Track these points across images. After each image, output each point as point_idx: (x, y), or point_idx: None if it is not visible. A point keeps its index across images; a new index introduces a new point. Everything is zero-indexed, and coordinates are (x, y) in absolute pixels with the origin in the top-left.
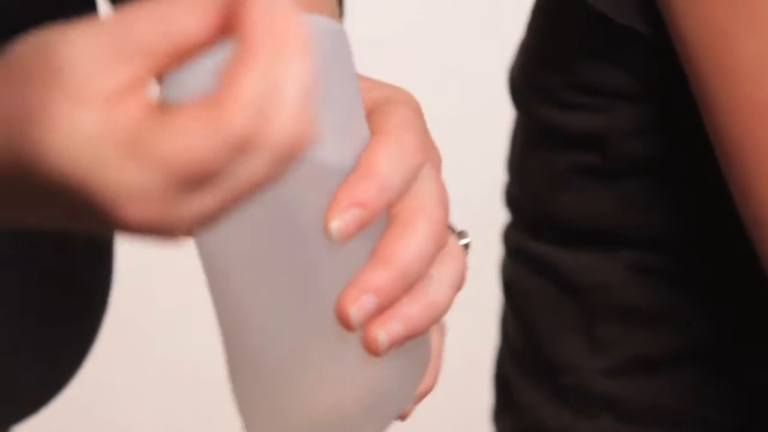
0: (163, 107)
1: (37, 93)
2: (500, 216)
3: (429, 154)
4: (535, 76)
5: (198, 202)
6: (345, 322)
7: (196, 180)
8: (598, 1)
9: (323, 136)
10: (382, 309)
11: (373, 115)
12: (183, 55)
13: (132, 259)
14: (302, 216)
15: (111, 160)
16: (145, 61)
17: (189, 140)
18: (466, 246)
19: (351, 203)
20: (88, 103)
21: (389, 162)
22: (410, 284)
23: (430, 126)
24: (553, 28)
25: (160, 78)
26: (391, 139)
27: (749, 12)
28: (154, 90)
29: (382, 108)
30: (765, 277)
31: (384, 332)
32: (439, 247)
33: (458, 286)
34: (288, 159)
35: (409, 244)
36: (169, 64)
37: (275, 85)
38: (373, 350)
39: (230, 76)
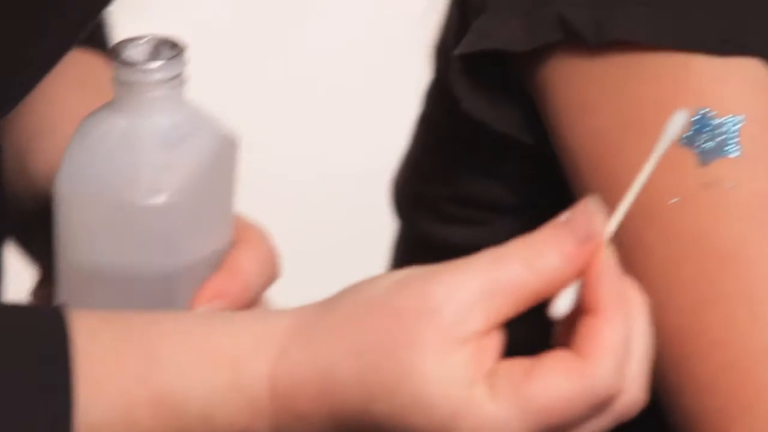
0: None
1: (409, 325)
2: None
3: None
4: (418, 188)
5: None
6: None
7: (556, 427)
8: (480, 111)
9: (208, 227)
10: None
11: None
12: (545, 296)
13: None
14: (175, 291)
15: (481, 399)
16: (511, 303)
17: (561, 390)
18: None
19: (216, 294)
20: (458, 343)
21: (254, 265)
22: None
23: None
24: (436, 139)
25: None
26: (253, 246)
27: (637, 120)
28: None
29: (242, 222)
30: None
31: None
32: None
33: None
34: (624, 420)
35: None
36: (531, 304)
37: (628, 344)
38: None
39: (592, 330)
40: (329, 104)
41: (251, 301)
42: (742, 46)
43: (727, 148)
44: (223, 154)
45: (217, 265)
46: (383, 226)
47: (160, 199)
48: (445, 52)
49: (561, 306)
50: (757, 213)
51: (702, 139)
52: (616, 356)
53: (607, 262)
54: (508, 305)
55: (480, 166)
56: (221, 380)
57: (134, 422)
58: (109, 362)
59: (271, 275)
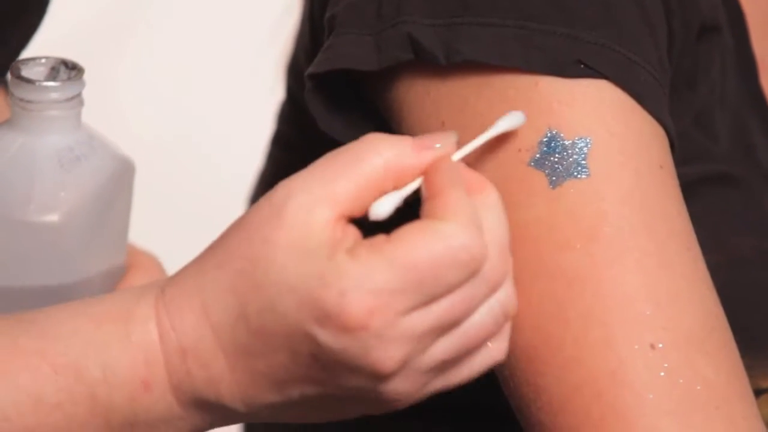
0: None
1: (261, 229)
2: None
3: None
4: None
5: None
6: None
7: (429, 289)
8: (336, 130)
9: (102, 247)
10: None
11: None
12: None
13: None
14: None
15: (341, 263)
16: (353, 187)
17: (421, 247)
18: None
19: None
20: (310, 230)
21: None
22: None
23: None
24: (291, 158)
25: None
26: (146, 273)
27: (489, 140)
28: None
29: (134, 248)
30: None
31: None
32: None
33: None
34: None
35: None
36: (374, 192)
37: (477, 212)
38: None
39: (438, 200)
40: (182, 121)
41: None
42: (591, 68)
43: (576, 169)
44: (119, 177)
45: (110, 285)
46: None
47: (53, 217)
48: (298, 70)
49: (382, 207)
50: (605, 234)
51: (552, 161)
52: (465, 215)
53: (451, 163)
54: (351, 187)
55: None
56: (113, 335)
57: (40, 397)
58: (5, 348)
59: None
